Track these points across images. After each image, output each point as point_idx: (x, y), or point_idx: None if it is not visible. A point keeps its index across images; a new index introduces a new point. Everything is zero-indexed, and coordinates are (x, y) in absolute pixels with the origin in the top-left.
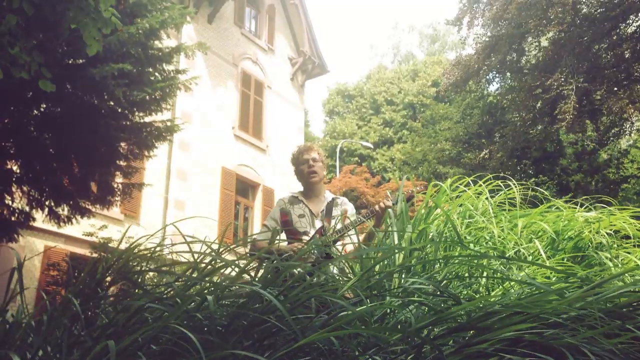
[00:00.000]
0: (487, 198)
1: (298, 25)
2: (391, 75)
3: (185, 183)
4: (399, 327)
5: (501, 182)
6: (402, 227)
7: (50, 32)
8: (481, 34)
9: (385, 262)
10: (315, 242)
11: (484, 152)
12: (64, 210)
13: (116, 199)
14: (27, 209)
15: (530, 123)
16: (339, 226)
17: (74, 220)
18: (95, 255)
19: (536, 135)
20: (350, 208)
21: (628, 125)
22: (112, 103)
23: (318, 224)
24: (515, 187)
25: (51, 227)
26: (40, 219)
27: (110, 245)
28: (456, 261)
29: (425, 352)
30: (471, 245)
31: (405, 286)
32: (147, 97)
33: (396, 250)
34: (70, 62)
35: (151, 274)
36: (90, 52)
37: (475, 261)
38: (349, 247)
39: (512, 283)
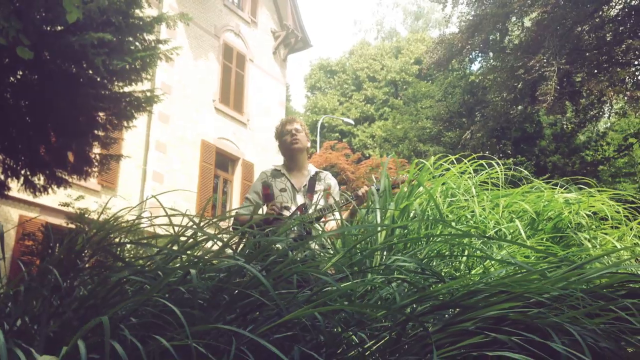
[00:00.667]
0: (469, 177)
1: None
2: (374, 52)
3: (164, 155)
4: (381, 304)
5: (484, 162)
6: (384, 205)
7: None
8: (465, 12)
9: (368, 240)
10: (296, 219)
11: (466, 133)
12: (40, 180)
13: (94, 169)
14: (1, 177)
15: (511, 103)
16: (321, 202)
17: (50, 190)
18: (71, 225)
19: (516, 115)
20: (333, 183)
21: (607, 108)
22: (91, 72)
23: (299, 198)
24: (499, 166)
25: (26, 196)
26: (15, 188)
27: (86, 216)
28: (438, 239)
29: (409, 329)
30: (453, 224)
31: (387, 264)
32: (127, 66)
33: (379, 228)
34: (48, 29)
35: (129, 246)
36: (70, 19)
37: (457, 240)
38: (331, 224)
39: (492, 262)
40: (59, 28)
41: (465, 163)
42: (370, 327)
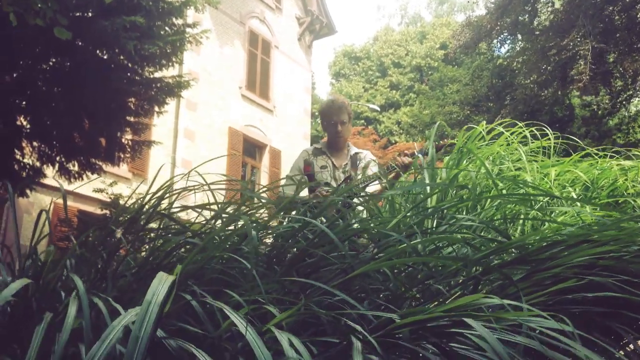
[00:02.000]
0: (518, 146)
1: None
2: (398, 38)
3: (193, 143)
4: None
5: (534, 130)
6: (432, 172)
7: None
8: None
9: (420, 205)
10: (341, 190)
11: (497, 118)
12: (74, 166)
13: (126, 155)
14: (37, 164)
15: (542, 86)
16: (361, 177)
17: (84, 177)
18: (105, 211)
19: (547, 98)
20: (373, 162)
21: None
22: (122, 57)
23: (339, 176)
24: (551, 135)
25: (59, 184)
26: (49, 175)
27: (120, 201)
28: (507, 199)
29: (485, 283)
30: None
31: (451, 223)
32: (158, 51)
33: (439, 188)
34: (80, 14)
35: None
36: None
37: (534, 198)
38: (375, 187)
39: (553, 225)
40: (90, 14)
41: (521, 130)
42: (441, 282)
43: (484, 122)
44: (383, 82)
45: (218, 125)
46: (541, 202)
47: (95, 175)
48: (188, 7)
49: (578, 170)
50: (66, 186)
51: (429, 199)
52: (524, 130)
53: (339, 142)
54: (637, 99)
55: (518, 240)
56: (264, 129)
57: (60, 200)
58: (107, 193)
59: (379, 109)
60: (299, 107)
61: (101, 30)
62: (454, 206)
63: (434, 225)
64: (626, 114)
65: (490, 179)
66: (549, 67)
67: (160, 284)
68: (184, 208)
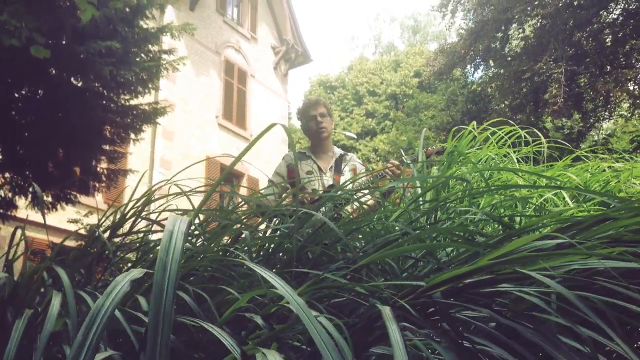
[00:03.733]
0: (509, 149)
1: (281, 13)
2: (373, 66)
3: (169, 172)
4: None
5: (526, 133)
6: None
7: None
8: (467, 19)
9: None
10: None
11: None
12: (48, 197)
13: (102, 184)
14: (9, 195)
15: (515, 110)
16: (349, 186)
17: (58, 207)
18: (80, 243)
19: (521, 122)
20: (359, 165)
21: (610, 111)
22: (97, 84)
23: (326, 180)
24: (542, 139)
25: (32, 216)
26: (21, 207)
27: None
28: (504, 191)
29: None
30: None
31: (455, 215)
32: (133, 77)
33: (439, 180)
34: (54, 41)
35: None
36: (84, 17)
37: (522, 190)
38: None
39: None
40: (65, 41)
41: (504, 134)
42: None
43: (474, 122)
44: (359, 110)
45: (195, 154)
46: (535, 204)
47: (69, 206)
48: (164, 34)
49: (569, 173)
50: (37, 218)
51: (426, 194)
52: (515, 132)
53: (323, 140)
54: (608, 120)
55: (533, 223)
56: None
57: (33, 234)
58: (81, 224)
59: (355, 137)
60: (276, 136)
61: (76, 55)
62: (454, 201)
63: (436, 218)
64: (597, 138)
65: (483, 180)
66: (523, 90)
67: (178, 219)
68: (169, 211)
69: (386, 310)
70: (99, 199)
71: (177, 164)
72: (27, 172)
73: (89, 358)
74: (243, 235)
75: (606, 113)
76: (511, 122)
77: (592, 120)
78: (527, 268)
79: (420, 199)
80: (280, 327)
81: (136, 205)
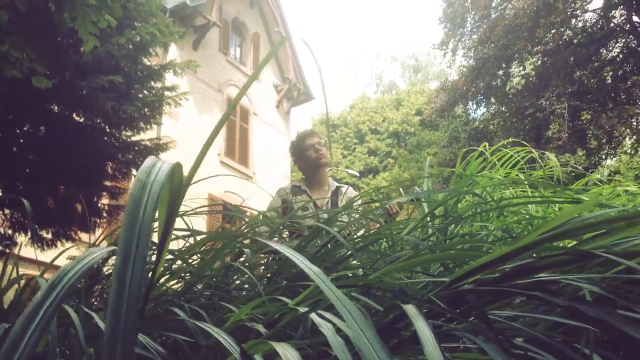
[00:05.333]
0: (520, 171)
1: (283, 52)
2: (375, 105)
3: None
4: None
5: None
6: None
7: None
8: (468, 56)
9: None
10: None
11: None
12: (48, 234)
13: (102, 220)
14: (9, 232)
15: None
16: (345, 218)
17: (58, 245)
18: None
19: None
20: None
21: (616, 143)
22: (99, 120)
23: (322, 216)
24: (556, 163)
25: (31, 254)
26: (20, 245)
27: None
28: (516, 212)
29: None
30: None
31: (465, 233)
32: (136, 113)
33: (453, 195)
34: (56, 77)
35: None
36: (86, 48)
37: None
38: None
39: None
40: (68, 76)
41: (515, 157)
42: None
43: (485, 143)
44: (361, 148)
45: (197, 191)
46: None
47: (68, 243)
48: (167, 71)
49: (583, 197)
50: (36, 256)
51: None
52: (525, 154)
53: (321, 168)
54: (612, 157)
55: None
56: (244, 194)
57: (31, 272)
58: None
59: (358, 175)
60: (279, 173)
61: (78, 90)
62: (468, 217)
63: (445, 235)
64: (604, 174)
65: (494, 203)
66: (525, 128)
67: (158, 162)
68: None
69: (410, 308)
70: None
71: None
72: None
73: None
74: (244, 257)
75: (611, 149)
76: (524, 142)
77: (596, 158)
78: (585, 247)
79: (431, 215)
80: (283, 323)
81: None
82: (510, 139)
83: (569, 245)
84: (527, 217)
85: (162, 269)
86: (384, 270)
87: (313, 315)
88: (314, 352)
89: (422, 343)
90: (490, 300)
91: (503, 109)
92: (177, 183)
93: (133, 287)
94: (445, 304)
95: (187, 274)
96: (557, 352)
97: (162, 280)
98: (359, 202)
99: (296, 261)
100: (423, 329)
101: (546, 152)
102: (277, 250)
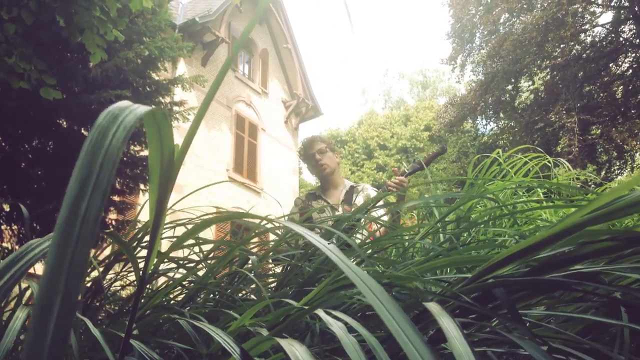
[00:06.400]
0: (534, 178)
1: (291, 68)
2: (383, 121)
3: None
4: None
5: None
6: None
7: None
8: (477, 71)
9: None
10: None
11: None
12: None
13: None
14: (17, 248)
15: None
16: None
17: None
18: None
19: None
20: (373, 192)
21: (629, 158)
22: None
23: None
24: (570, 169)
25: (38, 270)
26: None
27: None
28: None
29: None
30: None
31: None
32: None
33: (467, 199)
34: (64, 93)
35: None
36: (94, 60)
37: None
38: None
39: None
40: (76, 90)
41: (528, 164)
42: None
43: (499, 150)
44: (370, 164)
45: (205, 207)
46: None
47: None
48: (175, 86)
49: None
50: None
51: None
52: (537, 162)
53: (328, 177)
54: (623, 172)
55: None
56: (252, 210)
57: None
58: (88, 277)
59: None
60: (287, 189)
61: (87, 104)
62: (484, 222)
63: (462, 240)
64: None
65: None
66: (534, 143)
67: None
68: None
69: (432, 305)
70: (106, 253)
71: (187, 217)
72: (34, 224)
73: None
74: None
75: (622, 164)
76: (539, 149)
77: (608, 173)
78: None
79: (442, 222)
80: (288, 321)
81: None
82: (523, 146)
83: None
84: (542, 226)
85: (154, 263)
86: (404, 272)
87: (320, 312)
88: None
89: (449, 343)
90: (519, 298)
91: (512, 123)
92: (168, 154)
93: (72, 268)
94: (471, 301)
95: (191, 284)
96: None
97: (162, 287)
98: (380, 203)
99: (316, 243)
100: (449, 327)
101: (560, 159)
102: (282, 259)
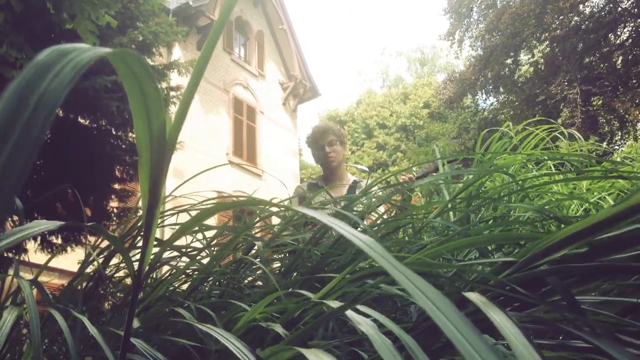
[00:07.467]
0: (544, 151)
1: (287, 49)
2: (381, 100)
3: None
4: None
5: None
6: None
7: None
8: (475, 46)
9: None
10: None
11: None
12: (57, 239)
13: (112, 224)
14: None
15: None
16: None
17: (69, 249)
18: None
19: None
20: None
21: (631, 128)
22: (104, 122)
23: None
24: (581, 138)
25: (40, 260)
26: (31, 251)
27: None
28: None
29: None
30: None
31: (498, 214)
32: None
33: (480, 174)
34: None
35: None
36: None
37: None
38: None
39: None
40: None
41: (535, 137)
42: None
43: (509, 122)
44: (370, 143)
45: (206, 191)
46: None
47: (78, 248)
48: (171, 71)
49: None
50: (46, 262)
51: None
52: (552, 131)
53: (334, 169)
54: (625, 142)
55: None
56: (253, 193)
57: (45, 278)
58: (93, 265)
59: (367, 170)
60: (287, 171)
61: (82, 91)
62: (499, 198)
63: (469, 220)
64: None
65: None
66: (536, 115)
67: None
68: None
69: (474, 296)
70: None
71: (188, 202)
72: (36, 214)
73: None
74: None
75: (624, 134)
76: (552, 120)
77: (610, 145)
78: None
79: (454, 199)
80: (307, 321)
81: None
82: (535, 119)
83: None
84: (553, 199)
85: (151, 254)
86: (430, 252)
87: (349, 313)
88: (343, 355)
89: (510, 344)
90: (573, 283)
91: (512, 97)
92: (158, 130)
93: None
94: (523, 291)
95: (195, 272)
96: None
97: (165, 277)
98: (375, 187)
99: (341, 231)
100: (503, 322)
101: (570, 130)
102: (288, 244)
